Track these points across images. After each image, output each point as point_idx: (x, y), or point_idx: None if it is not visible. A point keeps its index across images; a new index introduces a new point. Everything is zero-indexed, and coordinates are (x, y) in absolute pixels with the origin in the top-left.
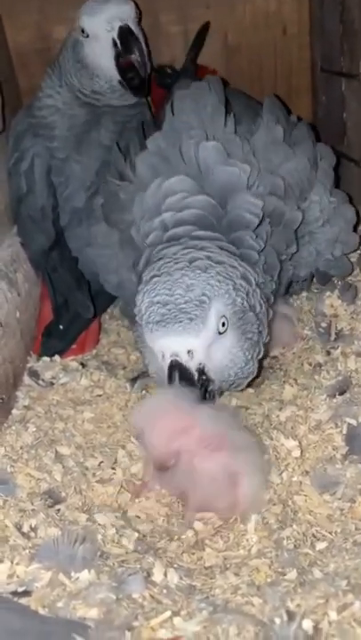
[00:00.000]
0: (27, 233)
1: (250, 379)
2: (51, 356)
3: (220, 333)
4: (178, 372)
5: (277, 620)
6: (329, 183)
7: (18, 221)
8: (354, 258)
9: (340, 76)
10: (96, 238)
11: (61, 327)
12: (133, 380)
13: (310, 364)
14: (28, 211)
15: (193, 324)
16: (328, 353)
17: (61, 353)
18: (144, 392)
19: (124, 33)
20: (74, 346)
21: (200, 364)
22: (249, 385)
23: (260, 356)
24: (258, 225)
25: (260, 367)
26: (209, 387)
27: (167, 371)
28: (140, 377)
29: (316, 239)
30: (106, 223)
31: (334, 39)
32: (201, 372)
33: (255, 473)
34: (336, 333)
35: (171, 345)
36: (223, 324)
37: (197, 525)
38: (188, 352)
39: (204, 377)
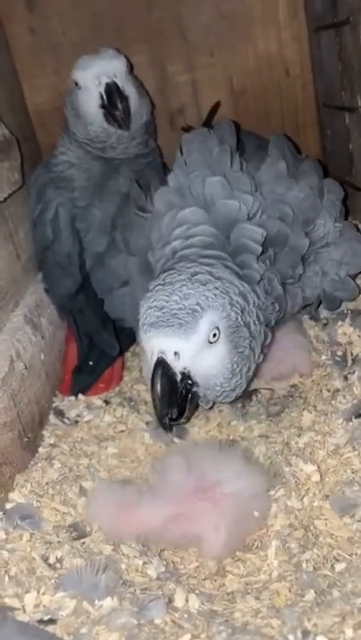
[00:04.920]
0: (53, 278)
1: (237, 392)
2: (81, 391)
3: (210, 343)
4: (161, 371)
5: (291, 638)
6: (335, 213)
7: (44, 268)
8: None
9: (342, 111)
10: (117, 269)
11: (91, 363)
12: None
13: (329, 391)
14: (54, 257)
15: (183, 329)
16: (346, 378)
17: (90, 386)
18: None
19: (110, 89)
20: (101, 385)
21: (185, 367)
22: (237, 399)
23: (250, 374)
24: (261, 252)
25: (248, 387)
26: (192, 389)
27: (152, 368)
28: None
29: (322, 258)
30: (126, 252)
31: (334, 76)
32: (185, 375)
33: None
34: (352, 359)
35: (158, 344)
36: (215, 335)
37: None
38: (175, 353)
39: (188, 381)
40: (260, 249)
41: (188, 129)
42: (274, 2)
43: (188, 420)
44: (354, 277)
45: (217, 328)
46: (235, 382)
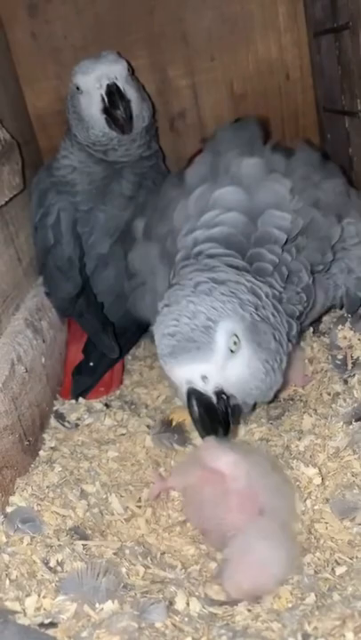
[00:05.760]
0: (54, 282)
1: (275, 389)
2: (81, 394)
3: (233, 352)
4: (195, 398)
5: None
6: None
7: (44, 272)
8: None
9: (342, 115)
10: (133, 263)
11: (91, 364)
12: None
13: (329, 394)
14: (55, 261)
15: (201, 352)
16: (346, 382)
17: (90, 388)
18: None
19: (111, 91)
20: (101, 388)
21: (217, 386)
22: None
23: (284, 366)
24: (287, 240)
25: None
26: (231, 403)
27: (186, 400)
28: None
29: (349, 255)
30: (146, 239)
31: (334, 80)
32: (219, 393)
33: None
34: (353, 363)
35: (184, 374)
36: (235, 343)
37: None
38: (203, 378)
39: (224, 397)
40: (284, 237)
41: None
42: (274, 7)
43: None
44: None
45: (235, 335)
46: (270, 380)
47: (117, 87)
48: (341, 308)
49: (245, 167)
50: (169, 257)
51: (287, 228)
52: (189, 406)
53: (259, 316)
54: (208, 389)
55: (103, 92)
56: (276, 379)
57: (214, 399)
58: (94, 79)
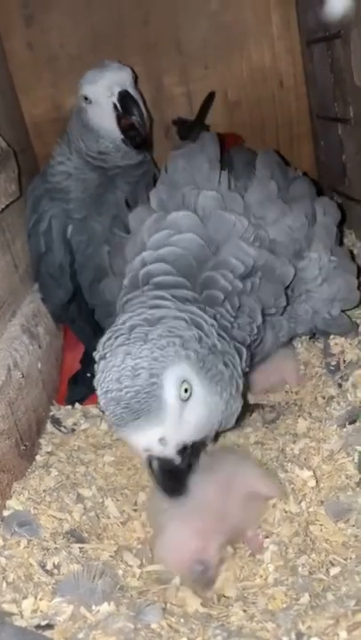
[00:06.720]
0: (47, 289)
1: (237, 413)
2: (77, 401)
3: (185, 400)
4: (157, 464)
5: None
6: (330, 241)
7: (38, 279)
8: None
9: (335, 122)
10: (104, 293)
11: (88, 375)
12: None
13: (324, 398)
14: (47, 268)
15: (153, 414)
16: (340, 386)
17: (85, 398)
18: None
19: (124, 97)
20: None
21: (177, 444)
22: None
23: (241, 388)
24: (246, 275)
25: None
26: (195, 448)
27: (145, 464)
28: None
29: (313, 297)
30: (111, 272)
31: (327, 88)
32: (183, 449)
33: None
34: (345, 366)
35: (139, 442)
36: (186, 390)
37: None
38: (160, 440)
39: (187, 450)
40: (242, 268)
41: (179, 122)
42: (267, 15)
43: None
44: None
45: (184, 381)
46: (230, 408)
47: (129, 94)
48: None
49: (202, 200)
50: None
51: (248, 262)
52: (151, 473)
53: (204, 347)
54: (168, 452)
55: (115, 99)
56: (236, 405)
57: (177, 459)
58: (104, 88)
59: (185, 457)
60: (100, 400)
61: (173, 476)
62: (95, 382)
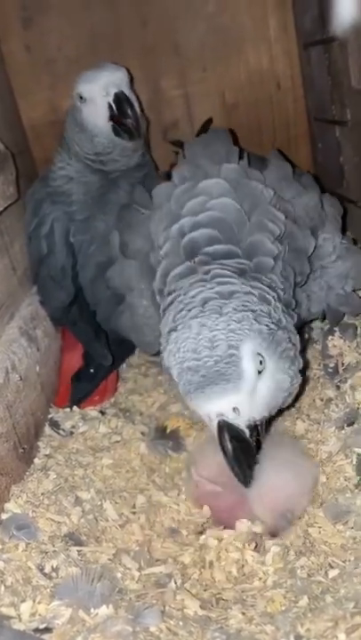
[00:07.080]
0: (47, 291)
1: (296, 392)
2: (81, 398)
3: (260, 372)
4: (228, 432)
5: None
6: (338, 227)
7: (38, 281)
8: None
9: (333, 124)
10: (112, 279)
11: (91, 371)
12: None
13: (322, 400)
14: (48, 271)
15: (231, 384)
16: (338, 387)
17: (89, 394)
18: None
19: (119, 99)
20: (96, 397)
21: (249, 418)
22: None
23: (301, 366)
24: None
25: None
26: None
27: (217, 433)
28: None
29: (328, 273)
30: (123, 256)
31: (324, 90)
32: (252, 425)
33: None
34: (344, 369)
35: (214, 408)
36: (261, 362)
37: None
38: (235, 409)
39: (257, 427)
40: (278, 231)
41: (176, 143)
42: (264, 18)
43: None
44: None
45: (259, 354)
46: (294, 385)
47: (125, 95)
48: (324, 320)
49: (225, 171)
50: (152, 273)
51: (280, 226)
52: (221, 443)
53: (273, 323)
54: (241, 423)
55: (110, 99)
56: (298, 381)
57: (247, 432)
58: (100, 87)
59: (253, 434)
60: (174, 370)
61: (243, 450)
62: (167, 354)
